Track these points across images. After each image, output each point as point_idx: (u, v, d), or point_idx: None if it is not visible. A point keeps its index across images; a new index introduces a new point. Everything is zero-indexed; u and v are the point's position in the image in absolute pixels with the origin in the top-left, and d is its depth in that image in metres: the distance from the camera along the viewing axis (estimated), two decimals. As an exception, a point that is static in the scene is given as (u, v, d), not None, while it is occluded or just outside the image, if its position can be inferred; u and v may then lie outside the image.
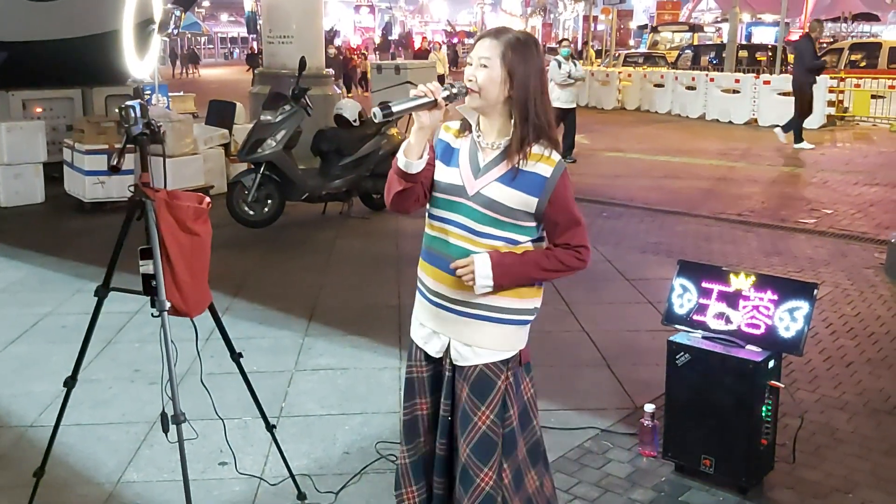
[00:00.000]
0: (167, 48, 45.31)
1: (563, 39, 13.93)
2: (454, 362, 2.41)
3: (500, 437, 2.38)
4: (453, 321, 2.38)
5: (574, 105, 12.26)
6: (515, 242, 2.32)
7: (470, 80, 2.26)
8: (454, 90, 2.24)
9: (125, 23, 2.98)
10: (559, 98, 11.76)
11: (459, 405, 2.41)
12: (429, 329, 2.45)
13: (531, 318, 2.44)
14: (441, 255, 2.36)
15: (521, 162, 2.26)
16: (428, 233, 2.43)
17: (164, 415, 2.72)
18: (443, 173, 2.35)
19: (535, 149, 2.28)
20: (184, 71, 42.18)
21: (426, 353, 2.47)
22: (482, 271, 2.25)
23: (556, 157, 2.29)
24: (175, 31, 2.92)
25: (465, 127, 2.39)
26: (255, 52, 32.60)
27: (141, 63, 3.00)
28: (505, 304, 2.34)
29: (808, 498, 3.29)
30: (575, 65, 12.18)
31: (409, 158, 2.26)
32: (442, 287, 2.37)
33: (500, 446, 2.38)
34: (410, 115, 2.24)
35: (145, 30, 2.91)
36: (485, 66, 2.24)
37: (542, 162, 2.27)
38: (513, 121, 2.29)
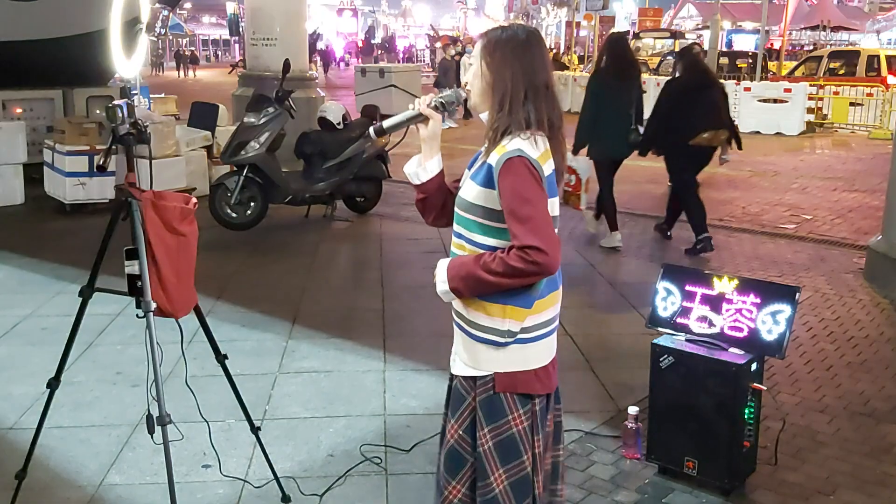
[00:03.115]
0: (169, 50, 45.18)
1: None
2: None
3: (469, 454, 2.30)
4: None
5: None
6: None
7: (467, 82, 2.29)
8: (443, 99, 2.29)
9: (113, 22, 2.97)
10: None
11: None
12: None
13: (505, 340, 2.19)
14: None
15: (489, 155, 2.18)
16: None
17: (149, 416, 2.70)
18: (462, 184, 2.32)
19: (505, 140, 2.15)
20: (185, 73, 42.05)
21: None
22: (440, 275, 2.22)
23: (514, 146, 2.10)
24: (162, 31, 2.92)
25: None
26: (238, 62, 32.53)
27: (128, 62, 2.99)
28: (472, 318, 2.23)
29: (790, 499, 3.32)
30: None
31: (416, 169, 2.32)
32: None
33: (469, 464, 2.30)
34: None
35: (132, 29, 2.90)
36: (471, 65, 2.27)
37: (496, 151, 2.15)
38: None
